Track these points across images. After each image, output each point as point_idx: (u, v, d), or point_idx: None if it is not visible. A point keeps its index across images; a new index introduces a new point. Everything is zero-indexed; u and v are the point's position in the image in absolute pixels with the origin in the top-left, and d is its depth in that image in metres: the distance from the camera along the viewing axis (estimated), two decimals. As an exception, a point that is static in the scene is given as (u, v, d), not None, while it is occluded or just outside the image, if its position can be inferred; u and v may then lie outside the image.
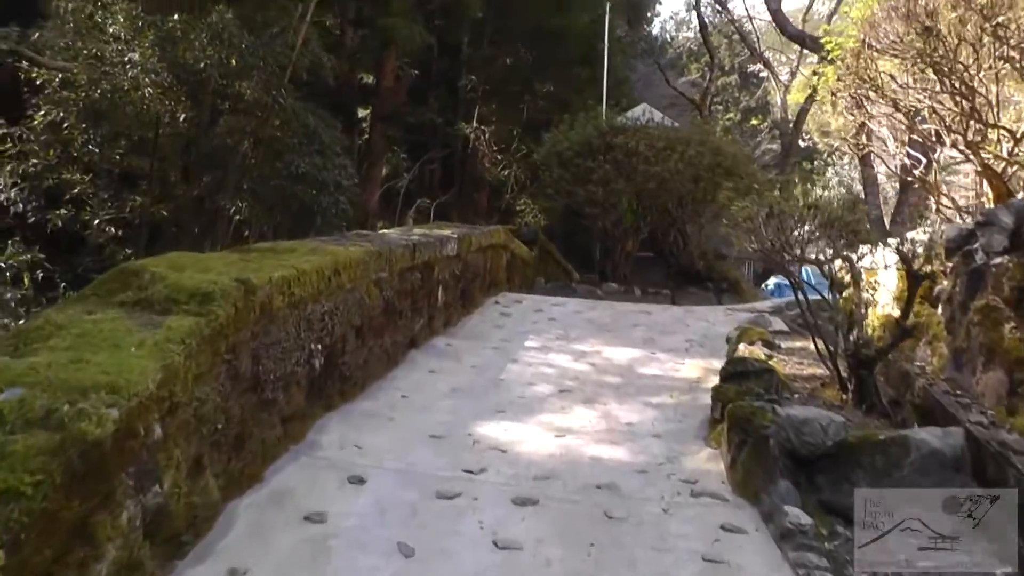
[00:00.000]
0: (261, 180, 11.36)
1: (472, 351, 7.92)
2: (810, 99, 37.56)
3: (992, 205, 8.63)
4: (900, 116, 9.08)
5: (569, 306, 10.78)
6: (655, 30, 46.24)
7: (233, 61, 11.15)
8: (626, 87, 28.89)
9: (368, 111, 24.96)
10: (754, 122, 47.58)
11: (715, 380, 7.24)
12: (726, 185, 11.33)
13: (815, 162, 53.51)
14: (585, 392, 6.86)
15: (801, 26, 32.41)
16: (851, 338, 6.10)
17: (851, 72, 8.97)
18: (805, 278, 20.54)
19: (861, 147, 10.40)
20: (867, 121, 9.78)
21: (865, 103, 9.47)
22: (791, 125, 37.83)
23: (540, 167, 16.64)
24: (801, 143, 42.36)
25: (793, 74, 40.61)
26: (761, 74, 55.53)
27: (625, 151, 15.02)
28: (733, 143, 17.03)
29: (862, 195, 44.49)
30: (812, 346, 8.10)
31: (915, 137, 9.48)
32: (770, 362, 6.58)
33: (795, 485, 4.60)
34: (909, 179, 9.65)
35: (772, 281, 29.33)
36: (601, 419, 6.12)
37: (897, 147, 9.71)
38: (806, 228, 5.83)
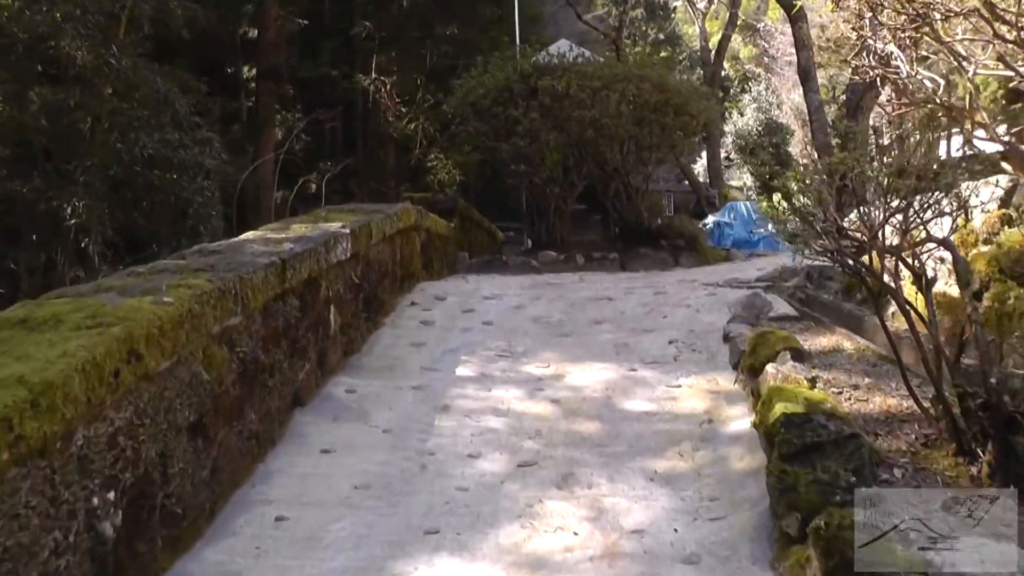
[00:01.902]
0: (98, 168, 8.74)
1: (384, 399, 5.60)
2: (731, 25, 35.86)
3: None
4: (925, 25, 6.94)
5: (507, 297, 8.51)
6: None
7: (53, 12, 8.51)
8: (539, 24, 26.47)
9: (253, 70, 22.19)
10: (663, 54, 45.47)
11: (731, 414, 5.18)
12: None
13: (730, 90, 52.01)
14: (555, 460, 4.65)
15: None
16: (962, 368, 3.96)
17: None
18: (743, 215, 18.68)
19: (862, 69, 8.23)
20: (872, 36, 7.65)
21: (871, 11, 7.33)
22: (712, 54, 35.91)
23: (453, 120, 14.19)
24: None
25: (711, 1, 38.60)
26: (674, 3, 53.87)
27: (553, 95, 12.65)
28: (677, 77, 14.77)
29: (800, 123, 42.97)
30: (846, 345, 6.04)
31: (938, 55, 7.37)
32: (816, 388, 4.47)
33: None
34: (931, 105, 7.51)
35: (710, 220, 27.47)
36: (591, 525, 3.93)
37: (910, 66, 7.58)
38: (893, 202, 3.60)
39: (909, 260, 4.06)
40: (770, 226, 18.64)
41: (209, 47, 18.70)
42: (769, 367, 4.94)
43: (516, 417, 5.29)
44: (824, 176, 3.66)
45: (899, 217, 3.84)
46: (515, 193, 16.49)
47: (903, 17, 7.23)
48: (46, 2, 8.22)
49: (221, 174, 9.97)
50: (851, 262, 3.85)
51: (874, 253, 3.90)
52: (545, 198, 13.63)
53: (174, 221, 8.97)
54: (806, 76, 22.75)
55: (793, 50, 43.47)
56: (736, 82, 54.66)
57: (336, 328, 6.04)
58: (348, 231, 6.29)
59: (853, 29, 7.65)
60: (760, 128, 43.72)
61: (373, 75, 22.82)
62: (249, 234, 6.02)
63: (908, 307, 3.67)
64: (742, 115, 45.53)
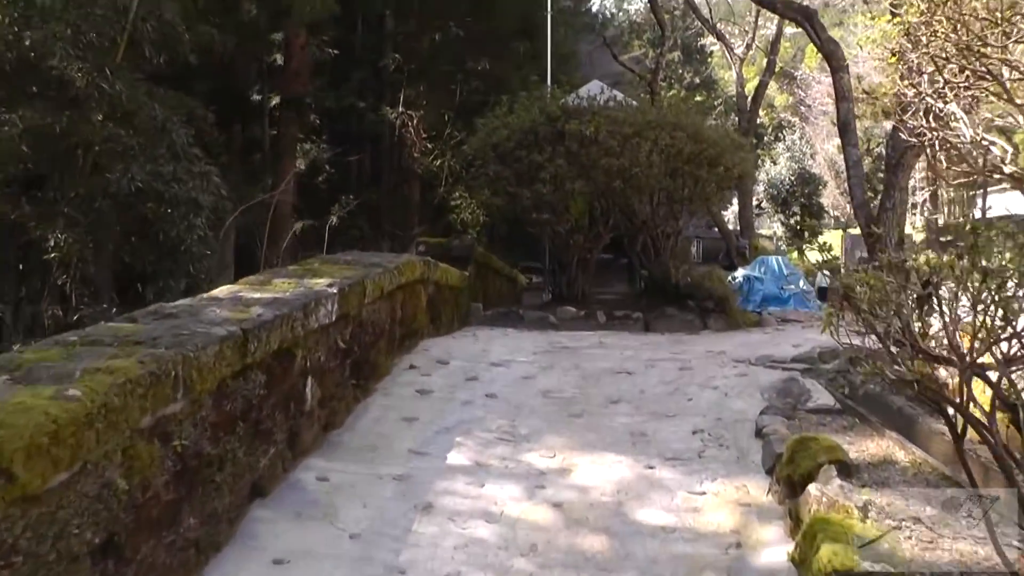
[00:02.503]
0: (84, 199, 8.10)
1: (360, 491, 4.83)
2: (768, 72, 35.20)
3: None
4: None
5: (516, 364, 7.76)
6: (595, 7, 43.88)
7: (47, 31, 7.90)
8: (572, 63, 25.94)
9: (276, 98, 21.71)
10: (698, 98, 44.98)
11: (764, 537, 4.39)
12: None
13: (764, 137, 51.40)
14: (551, 589, 3.88)
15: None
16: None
17: (926, 24, 6.01)
18: (774, 270, 17.84)
19: (918, 128, 7.44)
20: (932, 94, 6.89)
21: (930, 68, 6.59)
22: (748, 100, 35.16)
23: (473, 162, 13.51)
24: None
25: (749, 47, 37.95)
26: (711, 48, 53.45)
27: (581, 140, 11.94)
28: (714, 125, 14.04)
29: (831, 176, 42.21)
30: (898, 454, 5.23)
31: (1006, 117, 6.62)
32: (869, 519, 3.73)
33: None
34: (997, 175, 6.76)
35: (740, 273, 26.62)
36: None
37: (972, 128, 6.82)
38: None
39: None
40: (801, 283, 17.83)
41: (231, 73, 18.25)
42: (812, 489, 4.16)
43: (509, 524, 4.51)
44: (904, 282, 2.89)
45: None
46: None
47: (966, 74, 6.52)
48: (38, 20, 7.62)
49: (221, 209, 9.29)
50: (935, 398, 3.05)
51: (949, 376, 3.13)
52: (568, 249, 12.89)
53: (163, 260, 8.28)
54: (845, 129, 21.89)
55: (828, 100, 42.72)
56: (770, 129, 54.07)
57: (313, 403, 5.30)
58: (335, 291, 5.57)
59: (911, 85, 6.89)
60: (793, 178, 43.01)
61: (400, 108, 22.30)
62: (220, 291, 5.31)
63: (1011, 460, 2.87)
64: (775, 164, 44.90)
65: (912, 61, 6.52)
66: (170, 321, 4.26)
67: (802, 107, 48.76)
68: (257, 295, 5.11)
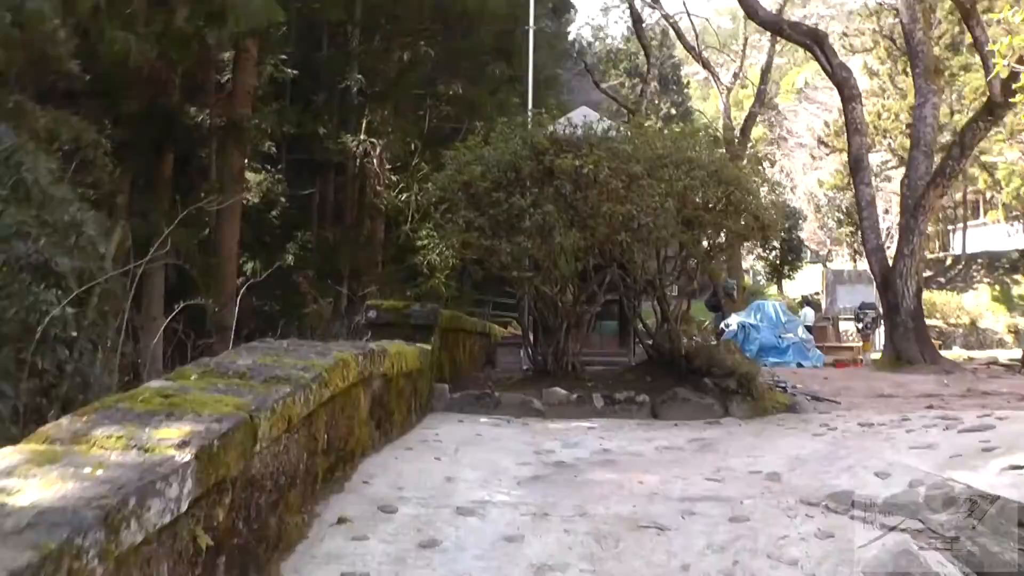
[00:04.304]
0: None
1: None
2: (758, 102, 33.39)
3: None
4: None
5: (494, 511, 5.37)
6: (572, 35, 42.67)
7: None
8: (555, 88, 23.85)
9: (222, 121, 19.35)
10: (676, 129, 43.34)
11: None
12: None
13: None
14: None
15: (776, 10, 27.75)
16: None
17: None
18: (771, 316, 15.74)
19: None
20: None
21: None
22: (736, 132, 33.28)
23: (438, 205, 11.18)
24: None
25: (736, 76, 36.13)
26: (688, 78, 52.14)
27: (575, 180, 9.63)
28: (735, 164, 11.79)
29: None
30: None
31: None
32: None
33: None
34: None
35: (734, 320, 24.62)
36: None
37: None
38: None
39: None
40: (800, 330, 15.58)
41: (165, 91, 15.89)
42: None
43: None
44: None
45: None
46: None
47: None
48: None
49: (100, 275, 6.85)
50: None
51: None
52: (555, 312, 10.55)
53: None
54: (857, 166, 19.88)
55: (807, 133, 40.95)
56: (745, 162, 52.75)
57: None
58: (189, 457, 3.22)
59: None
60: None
61: (363, 136, 20.11)
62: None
63: None
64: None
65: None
66: None
67: (789, 139, 47.22)
68: (30, 489, 2.76)
